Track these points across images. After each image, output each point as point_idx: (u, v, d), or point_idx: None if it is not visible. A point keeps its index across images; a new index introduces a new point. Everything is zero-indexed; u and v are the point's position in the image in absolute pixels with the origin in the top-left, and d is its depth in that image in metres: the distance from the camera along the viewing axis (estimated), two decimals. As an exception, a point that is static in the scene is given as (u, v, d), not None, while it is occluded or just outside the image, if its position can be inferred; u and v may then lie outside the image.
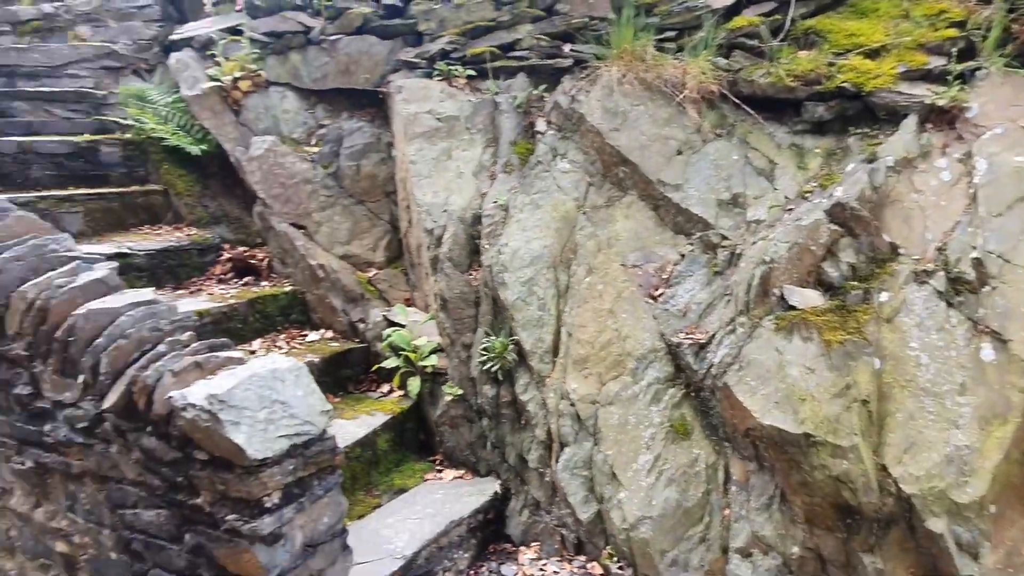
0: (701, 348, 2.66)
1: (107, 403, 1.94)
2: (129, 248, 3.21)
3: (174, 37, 3.88)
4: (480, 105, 3.37)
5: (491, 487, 2.94)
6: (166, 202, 3.69)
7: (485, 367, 2.91)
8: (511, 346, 2.89)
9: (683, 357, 2.67)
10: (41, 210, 3.00)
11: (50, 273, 2.16)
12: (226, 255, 3.53)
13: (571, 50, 3.40)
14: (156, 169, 3.71)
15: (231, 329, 3.10)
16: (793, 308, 2.53)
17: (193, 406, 1.77)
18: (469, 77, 3.46)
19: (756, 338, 2.54)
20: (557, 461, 2.75)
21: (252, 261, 3.55)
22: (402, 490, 2.91)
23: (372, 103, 3.68)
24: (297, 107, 3.65)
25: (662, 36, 3.25)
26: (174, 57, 3.79)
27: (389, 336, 3.12)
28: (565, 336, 2.87)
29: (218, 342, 2.09)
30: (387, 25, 3.54)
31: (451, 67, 3.44)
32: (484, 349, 2.93)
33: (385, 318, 3.31)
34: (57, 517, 2.18)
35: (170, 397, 1.82)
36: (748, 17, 3.18)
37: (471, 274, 3.09)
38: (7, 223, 2.28)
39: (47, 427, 2.10)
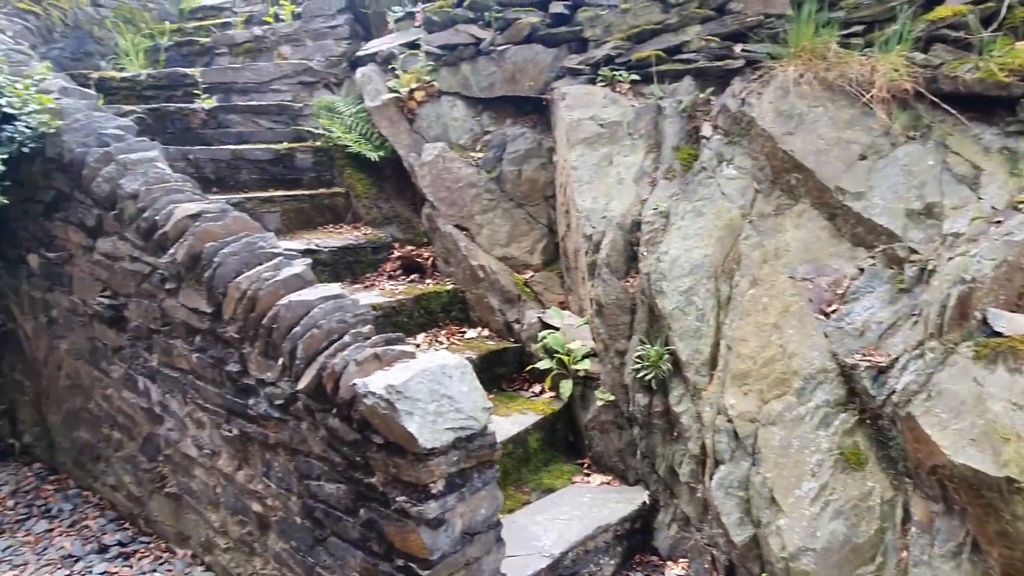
0: (881, 372, 2.44)
1: (301, 385, 2.19)
2: (316, 245, 3.58)
3: (360, 53, 4.26)
4: (643, 110, 3.34)
5: (639, 496, 2.91)
6: (347, 203, 4.06)
7: (638, 375, 2.89)
8: (666, 356, 2.84)
9: (859, 380, 2.46)
10: (248, 209, 3.42)
11: (259, 267, 2.46)
12: (396, 253, 3.81)
13: (742, 50, 3.26)
14: (340, 173, 4.10)
15: (398, 323, 3.34)
16: (998, 334, 2.24)
17: (373, 394, 1.94)
18: (632, 82, 3.45)
19: (950, 365, 2.29)
20: (711, 478, 2.66)
21: (418, 260, 3.80)
22: (550, 490, 2.97)
23: (535, 110, 3.78)
24: (465, 115, 3.85)
25: (847, 31, 3.02)
26: (359, 71, 4.16)
27: (544, 338, 3.20)
28: (724, 349, 2.77)
29: (393, 336, 2.27)
30: (553, 33, 3.63)
31: (615, 72, 3.45)
32: (638, 357, 2.90)
33: (540, 320, 3.39)
34: (254, 480, 2.49)
35: (353, 384, 2.01)
36: (953, 6, 2.85)
37: (628, 281, 3.07)
38: (226, 222, 2.64)
39: (251, 401, 2.41)
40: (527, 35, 3.64)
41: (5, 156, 3.04)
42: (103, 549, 2.89)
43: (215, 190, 3.70)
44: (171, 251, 2.58)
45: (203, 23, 5.10)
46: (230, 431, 2.52)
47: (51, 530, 3.02)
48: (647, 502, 2.89)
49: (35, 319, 3.43)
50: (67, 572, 2.72)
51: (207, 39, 4.84)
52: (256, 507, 2.49)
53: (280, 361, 2.26)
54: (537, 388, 3.36)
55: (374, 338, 2.23)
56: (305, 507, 2.30)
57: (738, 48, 3.28)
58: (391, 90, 3.91)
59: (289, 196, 3.83)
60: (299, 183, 4.03)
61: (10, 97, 3.17)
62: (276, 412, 2.32)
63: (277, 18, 4.74)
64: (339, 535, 2.21)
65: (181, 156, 3.69)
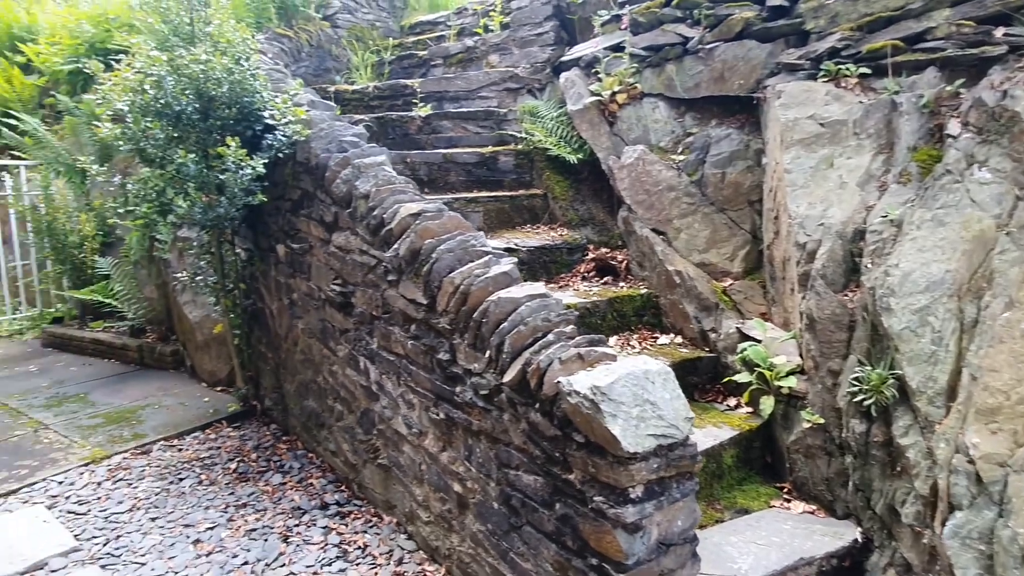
0: None
1: (505, 378, 2.29)
2: (515, 244, 3.74)
3: (564, 58, 4.38)
4: (873, 107, 3.03)
5: (849, 532, 2.65)
6: (544, 204, 4.19)
7: (855, 399, 2.63)
8: (891, 380, 2.55)
9: None
10: (455, 209, 3.65)
11: (470, 264, 2.63)
12: (590, 255, 3.85)
13: (1004, 35, 2.82)
14: (539, 175, 4.24)
15: (591, 324, 3.38)
16: None
17: (577, 393, 1.98)
18: (861, 76, 3.14)
19: None
20: (943, 524, 2.34)
21: (612, 262, 3.81)
22: (744, 511, 2.81)
23: (743, 110, 3.60)
24: (667, 116, 3.78)
25: None
26: (562, 76, 4.27)
27: (744, 350, 3.04)
28: (967, 379, 2.42)
29: (595, 337, 2.30)
30: (769, 28, 3.42)
31: (840, 66, 3.16)
32: (856, 379, 2.64)
33: (739, 331, 3.22)
34: (456, 463, 2.66)
35: (558, 382, 2.07)
36: None
37: (846, 295, 2.81)
38: (443, 221, 2.85)
39: (457, 388, 2.58)
40: (739, 31, 3.48)
41: (265, 161, 3.57)
42: (324, 506, 3.28)
43: (427, 191, 4.02)
44: (394, 246, 2.85)
45: (420, 37, 5.57)
46: (437, 414, 2.72)
47: (284, 483, 3.49)
48: (859, 540, 2.62)
49: (279, 300, 3.98)
50: (296, 521, 3.13)
51: (424, 52, 5.28)
52: (456, 487, 2.67)
53: (487, 354, 2.39)
54: (732, 402, 3.20)
55: (577, 338, 2.27)
56: (503, 494, 2.41)
57: (999, 32, 2.84)
58: (593, 93, 3.96)
59: (491, 197, 4.04)
60: (501, 184, 4.24)
61: (272, 111, 3.71)
62: (480, 401, 2.46)
63: (487, 29, 5.03)
64: (534, 525, 2.28)
65: (400, 159, 4.06)
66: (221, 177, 3.55)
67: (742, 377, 3.03)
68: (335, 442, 3.56)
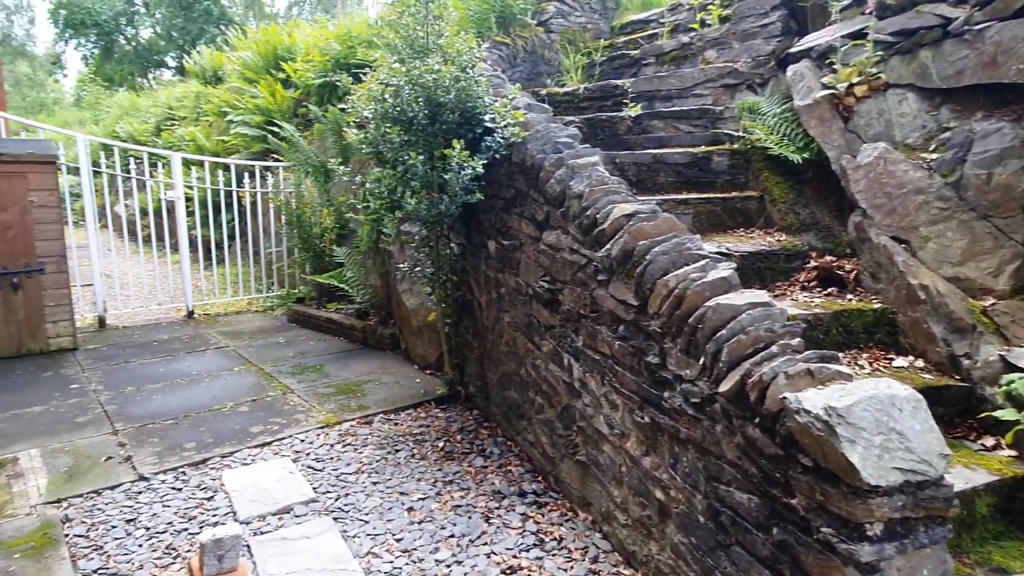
0: None
1: (721, 388, 2.19)
2: (727, 248, 3.55)
3: (792, 50, 4.06)
4: None
5: None
6: (760, 207, 3.93)
7: None
8: None
9: None
10: (665, 211, 3.57)
11: (686, 267, 2.55)
12: (812, 263, 3.53)
13: None
14: (756, 176, 3.99)
15: (812, 338, 3.09)
16: None
17: (807, 412, 1.82)
18: None
19: None
20: None
21: (839, 272, 3.46)
22: (1002, 570, 2.39)
23: (1018, 99, 3.05)
24: (916, 109, 3.33)
25: None
26: (790, 69, 3.96)
27: (1010, 382, 2.58)
28: None
29: (828, 354, 2.10)
30: (1063, 0, 2.86)
31: None
32: None
33: (1002, 359, 2.74)
34: (660, 469, 2.60)
35: (783, 398, 1.92)
36: None
37: None
38: (657, 223, 2.79)
39: (665, 394, 2.52)
40: (1020, 7, 2.95)
41: (484, 161, 3.79)
42: (522, 494, 3.40)
43: (635, 191, 3.96)
44: (606, 246, 2.86)
45: (632, 37, 5.53)
46: (642, 418, 2.68)
47: (485, 467, 3.68)
48: None
49: (488, 294, 4.20)
50: (496, 504, 3.28)
51: (636, 51, 5.23)
52: (658, 494, 2.61)
53: (701, 361, 2.30)
54: (989, 441, 2.73)
55: (807, 353, 2.09)
56: (710, 508, 2.31)
57: None
58: (825, 86, 3.62)
59: (702, 198, 3.89)
60: (712, 186, 4.06)
61: (492, 114, 3.93)
62: (690, 409, 2.37)
63: (703, 24, 4.85)
64: (745, 547, 2.15)
65: (608, 160, 4.06)
66: (445, 177, 3.84)
67: (1005, 414, 2.58)
68: (534, 433, 3.68)
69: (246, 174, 7.62)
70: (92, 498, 3.20)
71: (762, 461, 2.05)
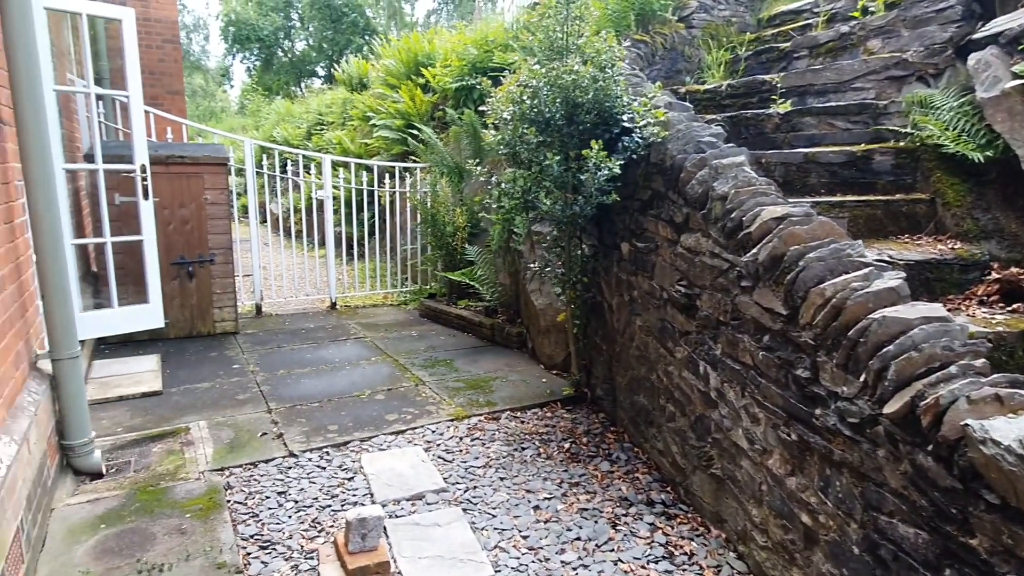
0: None
1: (886, 409, 1.99)
2: (889, 256, 3.24)
3: (976, 36, 3.62)
4: None
5: None
6: (929, 211, 3.55)
7: None
8: None
9: None
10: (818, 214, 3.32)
11: (845, 275, 2.35)
12: (994, 274, 3.13)
13: None
14: (925, 177, 3.61)
15: (992, 360, 2.73)
16: None
17: (996, 443, 1.61)
18: None
19: None
20: None
21: (1026, 286, 3.04)
22: None
23: None
24: None
25: None
26: (972, 57, 3.54)
27: None
28: None
29: (1020, 378, 1.85)
30: None
31: None
32: None
33: None
34: (807, 492, 2.42)
35: (965, 425, 1.71)
36: None
37: None
38: (811, 227, 2.60)
39: (816, 411, 2.33)
40: None
41: (621, 162, 3.73)
42: (650, 503, 3.30)
43: (783, 194, 3.73)
44: (752, 251, 2.70)
45: (781, 29, 5.21)
46: (787, 435, 2.50)
47: (611, 472, 3.62)
48: None
49: (619, 296, 4.13)
50: (623, 511, 3.21)
51: (786, 44, 4.92)
52: (804, 518, 2.43)
53: (861, 378, 2.11)
54: None
55: (994, 376, 1.85)
56: (867, 539, 2.11)
57: None
58: (1016, 75, 3.19)
59: (860, 201, 3.58)
60: (872, 188, 3.72)
61: (630, 114, 3.86)
62: (846, 430, 2.18)
63: (866, 11, 4.46)
64: (909, 587, 1.94)
65: (753, 160, 3.84)
66: (580, 177, 3.82)
67: None
68: (663, 441, 3.56)
69: (386, 175, 8.06)
70: (250, 469, 3.51)
71: (934, 494, 1.84)
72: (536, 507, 3.24)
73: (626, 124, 3.85)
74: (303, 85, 29.04)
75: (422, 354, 5.57)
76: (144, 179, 5.09)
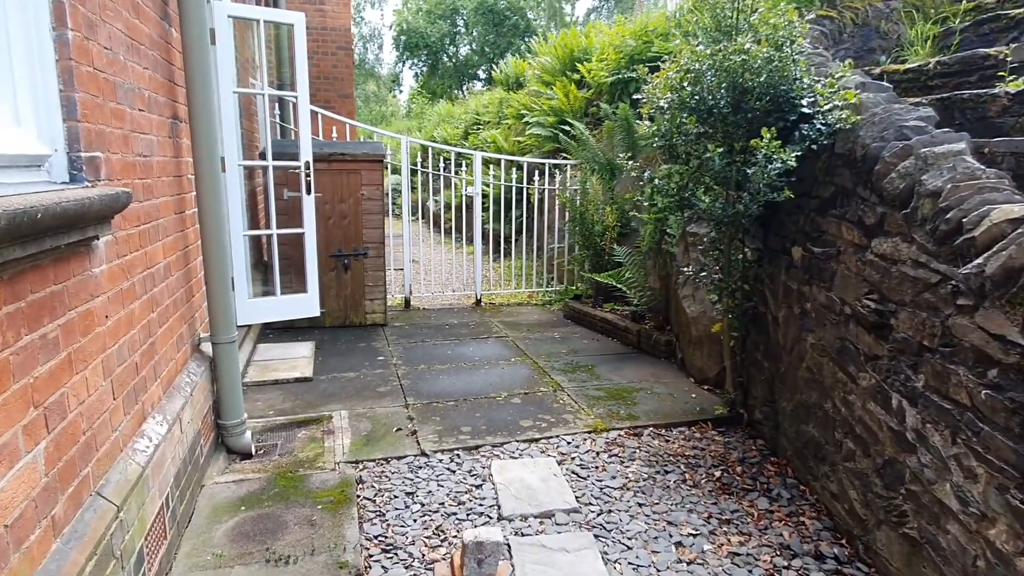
0: None
1: None
2: None
3: None
4: None
5: None
6: None
7: None
8: None
9: None
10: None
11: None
12: None
13: None
14: None
15: None
16: None
17: None
18: None
19: None
20: None
21: None
22: None
23: None
24: None
25: None
26: None
27: None
28: None
29: None
30: None
31: None
32: None
33: None
34: (1049, 581, 1.83)
35: None
36: None
37: None
38: (1068, 230, 1.99)
39: (1071, 477, 1.75)
40: None
41: (797, 153, 3.21)
42: (819, 556, 2.79)
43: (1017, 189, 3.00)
44: (976, 261, 2.13)
45: (1010, -7, 4.28)
46: (1021, 502, 1.92)
47: (771, 511, 3.13)
48: None
49: (787, 308, 3.60)
50: (785, 563, 2.74)
51: (1018, 10, 4.03)
52: (1043, 617, 1.84)
53: None
54: None
55: None
56: None
57: None
58: None
59: None
60: None
61: (811, 97, 3.32)
62: (1122, 509, 1.60)
63: None
64: None
65: (974, 149, 3.13)
66: (747, 171, 3.35)
67: None
68: (838, 483, 3.01)
69: (536, 172, 7.93)
70: (382, 464, 3.48)
71: None
72: (678, 543, 2.87)
73: (805, 110, 3.32)
74: (465, 89, 30.17)
75: (563, 357, 5.34)
76: (307, 175, 5.36)
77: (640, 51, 7.63)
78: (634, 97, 6.21)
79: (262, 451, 3.66)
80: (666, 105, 3.69)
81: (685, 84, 3.66)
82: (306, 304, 5.56)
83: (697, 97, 3.57)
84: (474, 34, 31.50)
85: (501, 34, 29.90)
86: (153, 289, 2.73)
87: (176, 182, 3.19)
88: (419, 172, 7.23)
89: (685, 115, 3.62)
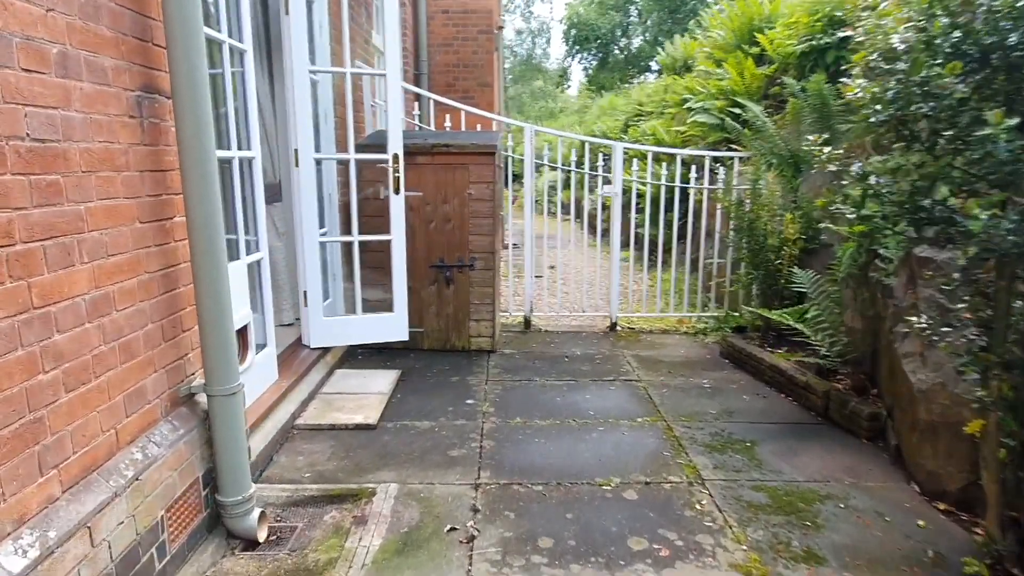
0: None
1: None
2: None
3: None
4: None
5: None
6: None
7: None
8: None
9: None
10: None
11: None
12: None
13: None
14: None
15: None
16: None
17: None
18: None
19: None
20: None
21: None
22: None
23: None
24: None
25: None
26: None
27: None
28: None
29: None
30: None
31: None
32: None
33: None
34: None
35: None
36: None
37: None
38: None
39: None
40: None
41: None
42: None
43: None
44: None
45: None
46: None
47: None
48: None
49: None
50: None
51: None
52: None
53: None
54: None
55: None
56: None
57: None
58: None
59: None
60: None
61: None
62: None
63: None
64: None
65: None
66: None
67: None
68: None
69: (695, 168, 6.39)
70: (411, 593, 2.37)
71: None
72: None
73: None
74: (634, 81, 28.47)
75: (710, 422, 3.87)
76: (396, 170, 4.42)
77: (842, 2, 5.78)
78: (843, 68, 4.50)
79: (274, 537, 2.73)
80: (902, 47, 2.15)
81: (937, 11, 2.11)
82: (391, 326, 4.64)
83: (964, 30, 2.01)
84: (648, 23, 29.67)
85: (677, 20, 27.74)
86: (53, 336, 1.84)
87: (145, 180, 2.32)
88: (547, 167, 6.06)
89: (938, 62, 2.06)
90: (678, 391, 4.38)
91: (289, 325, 4.81)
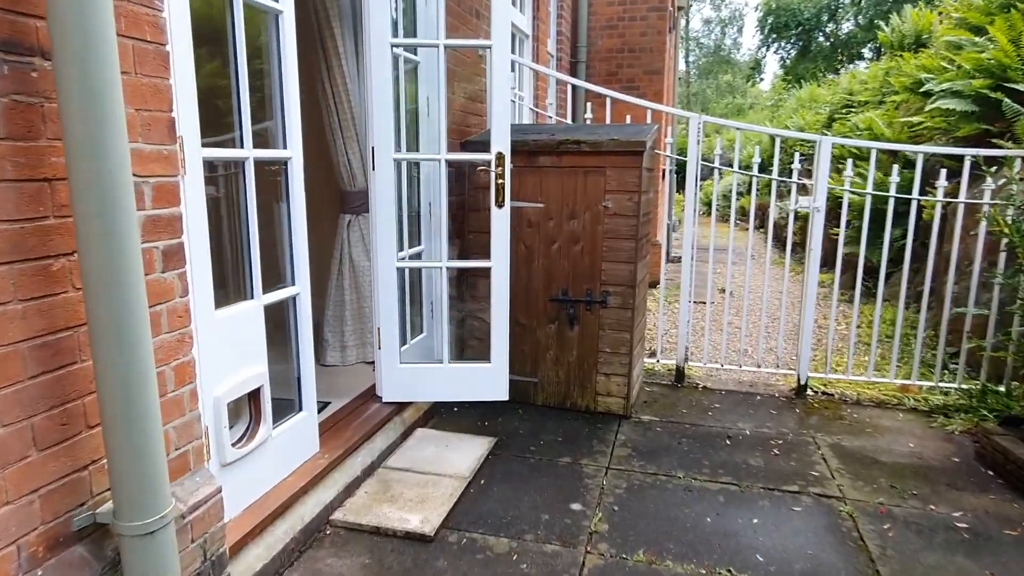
0: None
1: None
2: None
3: None
4: None
5: None
6: None
7: None
8: None
9: None
10: None
11: None
12: None
13: None
14: None
15: None
16: None
17: None
18: None
19: None
20: None
21: None
22: None
23: None
24: None
25: None
26: None
27: None
28: None
29: None
30: None
31: None
32: None
33: None
34: None
35: None
36: None
37: None
38: None
39: None
40: None
41: None
42: None
43: None
44: None
45: None
46: None
47: None
48: None
49: None
50: None
51: None
52: None
53: None
54: None
55: None
56: None
57: None
58: None
59: None
60: None
61: None
62: None
63: None
64: None
65: None
66: None
67: None
68: None
69: (935, 171, 4.50)
70: None
71: None
72: None
73: None
74: (841, 72, 24.83)
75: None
76: (499, 175, 3.31)
77: None
78: None
79: None
80: None
81: None
82: (485, 381, 3.52)
83: None
84: (862, 3, 25.76)
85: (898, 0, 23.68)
86: None
87: (11, 195, 1.43)
88: (719, 169, 4.59)
89: None
90: (911, 531, 2.76)
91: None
